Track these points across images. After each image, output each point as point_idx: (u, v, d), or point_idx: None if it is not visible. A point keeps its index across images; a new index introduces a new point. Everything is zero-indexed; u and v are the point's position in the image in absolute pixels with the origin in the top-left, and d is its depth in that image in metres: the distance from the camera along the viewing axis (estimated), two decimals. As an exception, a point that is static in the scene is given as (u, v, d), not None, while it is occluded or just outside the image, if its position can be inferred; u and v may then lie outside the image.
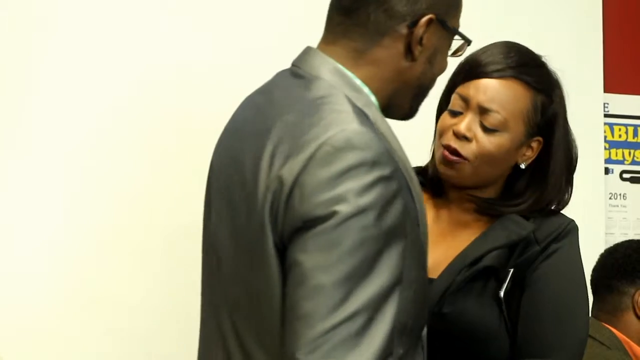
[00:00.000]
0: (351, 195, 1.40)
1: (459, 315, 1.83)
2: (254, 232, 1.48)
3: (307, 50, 1.63)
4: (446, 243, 1.94)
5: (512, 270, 1.86)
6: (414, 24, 1.57)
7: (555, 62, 2.01)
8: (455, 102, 1.93)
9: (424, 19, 1.57)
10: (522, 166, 1.94)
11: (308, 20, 2.65)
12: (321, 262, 1.39)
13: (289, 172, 1.44)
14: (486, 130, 1.89)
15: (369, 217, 1.41)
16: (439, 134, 1.94)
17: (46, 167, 2.48)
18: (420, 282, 1.54)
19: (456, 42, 1.67)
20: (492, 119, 1.89)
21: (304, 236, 1.41)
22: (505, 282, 1.85)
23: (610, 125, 3.21)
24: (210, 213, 1.64)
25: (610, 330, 2.54)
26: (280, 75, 1.64)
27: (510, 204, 1.93)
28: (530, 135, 1.93)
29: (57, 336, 2.46)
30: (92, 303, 2.48)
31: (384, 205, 1.42)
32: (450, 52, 1.67)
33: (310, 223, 1.41)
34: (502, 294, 1.84)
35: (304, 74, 1.58)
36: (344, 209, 1.40)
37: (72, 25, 2.52)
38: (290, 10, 2.72)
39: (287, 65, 1.66)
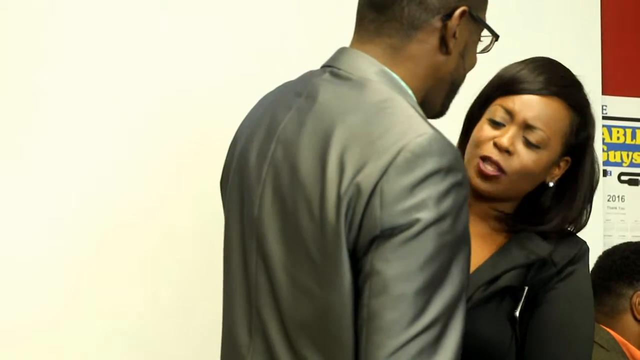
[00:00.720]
0: (431, 202, 1.40)
1: (474, 333, 1.78)
2: (322, 241, 1.45)
3: (344, 51, 1.60)
4: None
5: (527, 288, 1.86)
6: (448, 16, 1.57)
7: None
8: (497, 113, 1.93)
9: (459, 11, 1.57)
10: (551, 184, 1.95)
11: (323, 22, 2.67)
12: (403, 271, 1.39)
13: (367, 179, 1.42)
14: (529, 146, 1.90)
15: (446, 224, 1.41)
16: (476, 143, 1.93)
17: (51, 169, 2.48)
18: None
19: (484, 39, 1.67)
20: (537, 136, 1.90)
21: (384, 245, 1.40)
22: (520, 301, 1.86)
23: (609, 128, 3.21)
24: (239, 220, 1.59)
25: (608, 333, 2.54)
26: (315, 76, 1.59)
27: (536, 222, 1.94)
28: (563, 154, 1.95)
29: (57, 340, 2.45)
30: (94, 306, 2.48)
31: (457, 212, 1.43)
32: (479, 49, 1.67)
33: (391, 231, 1.40)
34: (517, 313, 1.85)
35: (348, 76, 1.55)
36: (425, 216, 1.39)
37: (79, 26, 2.52)
38: (306, 13, 2.73)
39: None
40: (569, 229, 1.97)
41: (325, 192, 1.44)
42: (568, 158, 1.96)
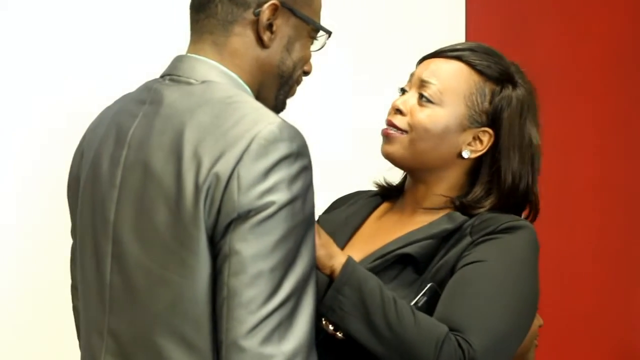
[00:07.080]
0: (284, 185, 1.51)
1: None
2: (180, 231, 1.54)
3: (181, 59, 1.69)
4: (379, 237, 1.92)
5: (430, 285, 1.79)
6: (259, 10, 1.66)
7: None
8: (406, 83, 1.97)
9: (267, 5, 1.66)
10: (465, 155, 1.90)
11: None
12: (259, 250, 1.50)
13: (225, 167, 1.52)
14: (421, 101, 1.90)
15: (298, 205, 1.53)
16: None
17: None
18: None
19: (321, 38, 1.75)
20: (429, 90, 1.90)
21: (242, 226, 1.50)
22: (419, 293, 1.79)
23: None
24: (92, 226, 1.66)
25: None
26: (156, 85, 1.67)
27: (470, 205, 1.89)
28: (475, 122, 1.90)
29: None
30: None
31: (306, 193, 1.55)
32: (315, 47, 1.74)
33: (247, 213, 1.50)
34: (412, 303, 1.76)
35: (190, 81, 1.65)
36: (278, 198, 1.51)
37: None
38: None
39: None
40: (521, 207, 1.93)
41: (183, 185, 1.54)
42: (489, 130, 1.91)
